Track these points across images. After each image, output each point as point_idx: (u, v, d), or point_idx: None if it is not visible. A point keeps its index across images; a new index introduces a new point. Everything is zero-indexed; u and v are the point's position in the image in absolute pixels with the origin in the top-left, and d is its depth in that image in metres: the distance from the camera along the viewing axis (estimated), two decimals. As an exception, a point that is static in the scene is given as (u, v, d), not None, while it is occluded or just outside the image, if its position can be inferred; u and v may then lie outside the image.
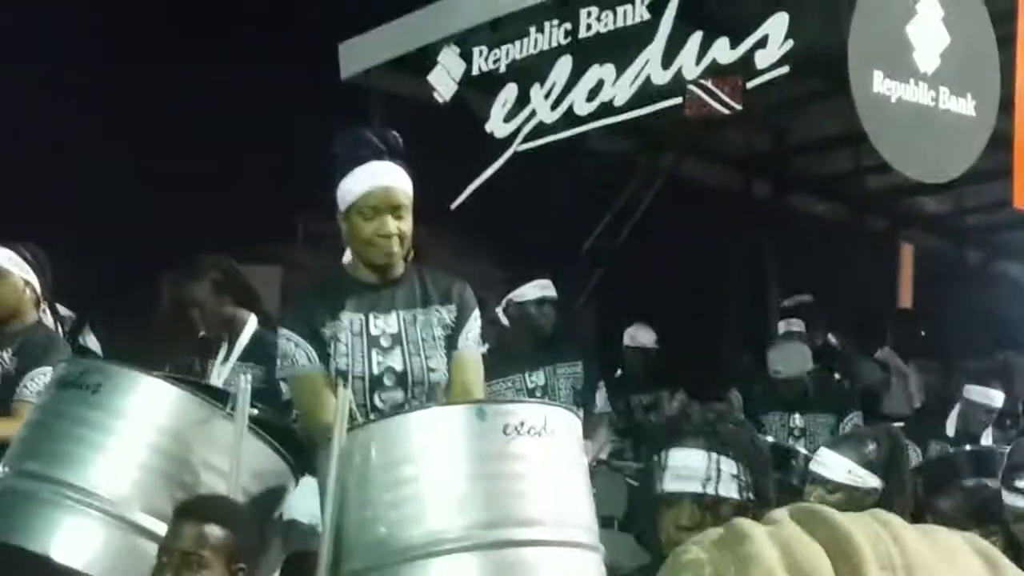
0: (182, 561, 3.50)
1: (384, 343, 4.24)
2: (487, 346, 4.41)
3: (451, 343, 4.28)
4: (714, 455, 3.28)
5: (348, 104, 9.00)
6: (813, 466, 4.87)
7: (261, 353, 5.58)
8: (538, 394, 6.79)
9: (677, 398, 8.56)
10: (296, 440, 4.19)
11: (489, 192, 7.81)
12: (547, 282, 7.06)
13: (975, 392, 7.66)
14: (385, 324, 4.25)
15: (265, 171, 11.75)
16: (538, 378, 6.89)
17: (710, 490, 3.39)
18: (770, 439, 7.20)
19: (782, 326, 8.80)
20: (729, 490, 3.39)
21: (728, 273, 10.39)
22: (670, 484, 3.43)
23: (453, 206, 7.86)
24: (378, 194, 4.15)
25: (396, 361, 4.22)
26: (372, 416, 4.10)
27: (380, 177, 4.16)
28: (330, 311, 4.24)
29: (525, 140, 7.54)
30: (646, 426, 8.44)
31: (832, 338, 8.92)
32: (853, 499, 4.53)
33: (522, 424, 3.65)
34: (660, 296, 9.61)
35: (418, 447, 3.68)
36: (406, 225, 4.19)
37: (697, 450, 3.28)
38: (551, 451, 3.71)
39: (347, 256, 4.35)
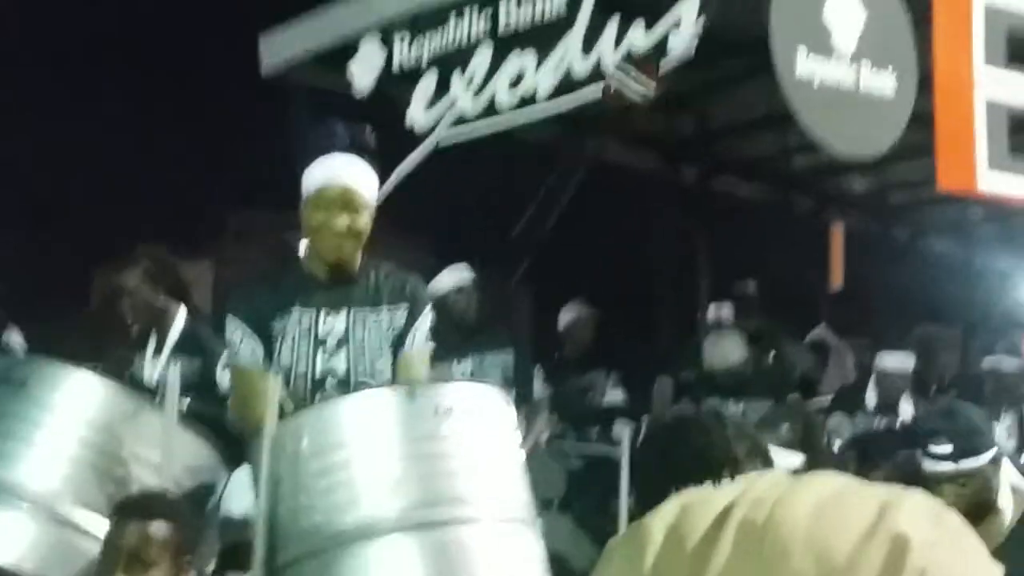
0: (129, 560, 3.49)
1: (330, 343, 4.23)
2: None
3: (400, 341, 4.26)
4: None
5: (272, 98, 8.96)
6: None
7: (192, 346, 5.59)
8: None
9: (611, 380, 8.58)
10: (228, 432, 4.19)
11: (416, 183, 7.78)
12: (462, 266, 7.11)
13: (887, 359, 7.77)
14: (334, 323, 4.23)
15: (192, 165, 11.63)
16: (466, 367, 6.93)
17: None
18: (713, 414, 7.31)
19: (712, 310, 8.87)
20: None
21: (658, 257, 10.38)
22: None
23: (376, 201, 7.83)
24: (334, 189, 4.13)
25: (340, 363, 4.21)
26: None
27: (338, 172, 4.14)
28: (280, 305, 4.22)
29: (449, 129, 7.55)
30: (583, 408, 8.50)
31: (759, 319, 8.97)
32: None
33: (452, 405, 3.68)
34: (591, 281, 9.53)
35: (349, 432, 3.68)
36: (361, 222, 4.16)
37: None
38: (481, 429, 3.73)
39: (302, 249, 4.33)
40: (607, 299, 9.18)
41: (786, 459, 4.71)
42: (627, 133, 8.90)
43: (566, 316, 8.74)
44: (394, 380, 4.21)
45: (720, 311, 8.85)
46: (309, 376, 4.19)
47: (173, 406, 3.82)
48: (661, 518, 1.16)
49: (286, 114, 8.54)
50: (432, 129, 7.60)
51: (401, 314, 4.25)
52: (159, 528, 3.50)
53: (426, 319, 4.30)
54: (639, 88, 6.59)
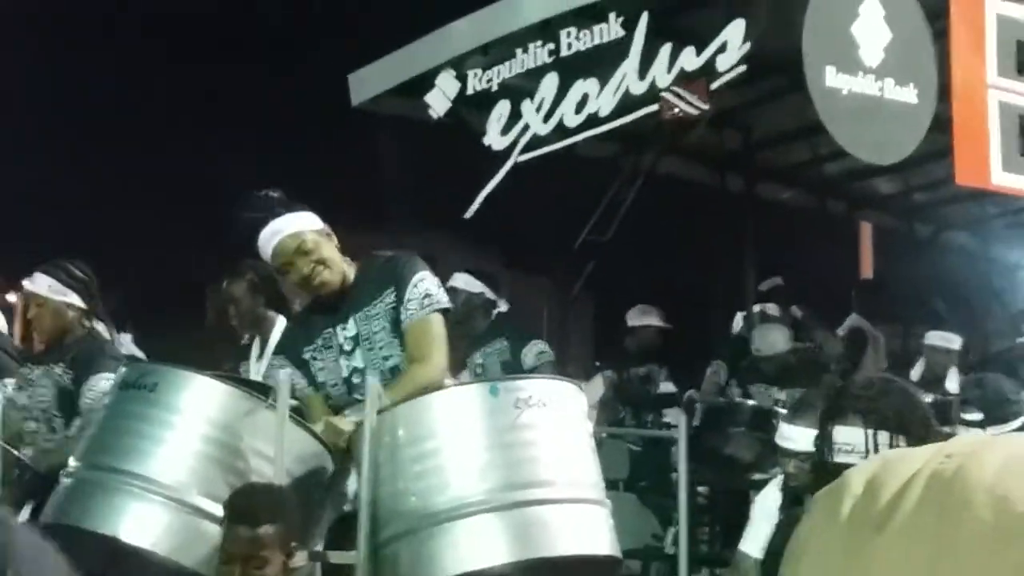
0: (244, 563, 3.49)
1: (347, 348, 4.27)
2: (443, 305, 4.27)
3: (398, 318, 4.23)
4: (870, 431, 3.08)
5: (359, 129, 9.08)
6: (780, 442, 4.77)
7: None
8: (477, 372, 6.92)
9: (664, 371, 8.59)
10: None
11: (493, 199, 7.79)
12: (463, 277, 7.10)
13: (934, 337, 7.69)
14: (346, 331, 4.27)
15: (292, 188, 11.66)
16: (476, 359, 7.01)
17: None
18: (751, 402, 7.34)
19: (758, 307, 8.75)
20: None
21: (709, 259, 10.28)
22: (838, 457, 3.13)
23: (467, 215, 7.86)
24: (283, 249, 4.23)
25: (359, 360, 4.25)
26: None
27: (273, 238, 4.24)
28: (307, 336, 4.34)
29: (523, 151, 7.54)
30: (643, 396, 8.48)
31: (798, 310, 8.87)
32: None
33: (530, 398, 3.70)
34: (649, 284, 9.57)
35: (439, 424, 3.73)
36: (320, 253, 4.23)
37: (854, 427, 3.08)
38: (557, 420, 3.75)
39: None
40: (664, 297, 9.16)
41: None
42: (680, 147, 8.81)
43: (637, 316, 8.74)
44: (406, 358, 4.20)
45: (765, 308, 8.73)
46: (340, 382, 4.26)
47: (284, 404, 3.83)
48: (861, 472, 1.15)
49: (371, 143, 8.72)
50: (509, 150, 7.62)
51: (391, 296, 4.22)
52: (266, 532, 3.49)
53: (418, 287, 4.21)
54: (693, 105, 6.62)
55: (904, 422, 3.04)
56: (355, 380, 4.21)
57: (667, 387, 8.52)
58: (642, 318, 8.72)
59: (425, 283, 4.22)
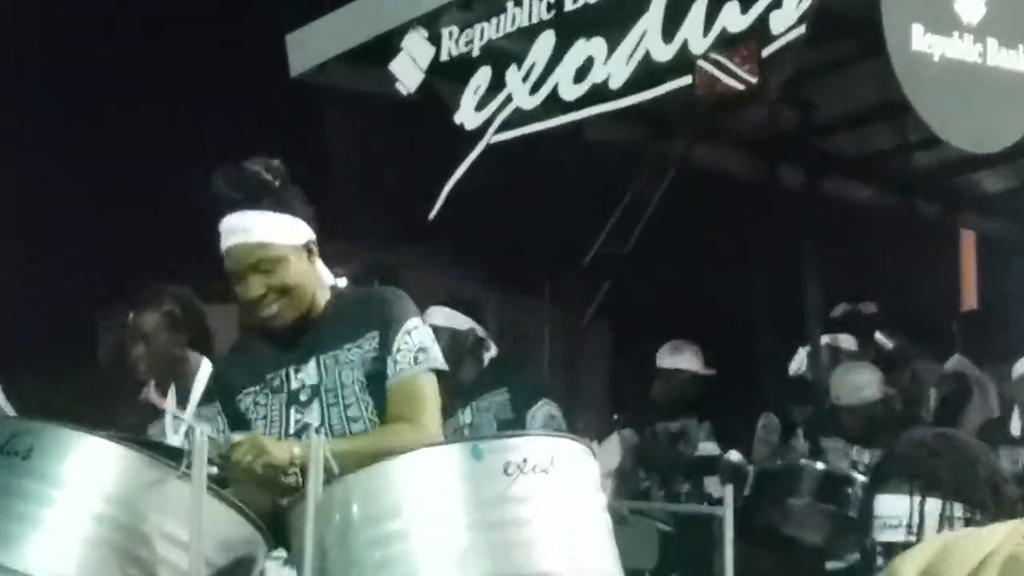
0: None
1: (303, 397, 4.30)
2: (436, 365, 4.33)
3: (381, 373, 4.27)
4: (916, 498, 3.16)
5: (302, 105, 9.07)
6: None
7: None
8: (466, 431, 6.84)
9: (704, 427, 8.61)
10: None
11: (469, 198, 7.86)
12: (443, 311, 7.06)
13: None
14: (305, 375, 4.30)
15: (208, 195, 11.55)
16: (465, 416, 6.94)
17: (914, 539, 3.15)
18: (820, 466, 7.32)
19: (827, 339, 8.79)
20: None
21: (758, 277, 10.42)
22: (879, 534, 3.27)
23: (431, 216, 7.94)
24: (234, 256, 4.25)
25: (314, 416, 4.27)
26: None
27: (231, 236, 4.26)
28: (249, 373, 4.36)
29: (501, 130, 7.59)
30: (675, 459, 8.53)
31: (885, 340, 9.00)
32: None
33: (525, 461, 3.66)
34: (682, 309, 9.59)
35: (406, 496, 3.70)
36: (283, 279, 4.24)
37: (899, 495, 3.17)
38: (560, 490, 3.73)
39: None
40: (700, 330, 9.14)
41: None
42: (721, 131, 8.91)
43: (667, 356, 8.73)
44: (383, 421, 4.23)
45: (837, 342, 8.79)
46: (283, 436, 4.23)
47: (202, 472, 3.77)
48: (913, 559, 1.16)
49: (318, 120, 8.96)
50: (484, 128, 7.68)
51: (372, 342, 4.26)
52: None
53: (407, 337, 4.27)
54: (738, 78, 6.58)
55: (962, 485, 3.07)
56: (303, 437, 4.22)
57: (707, 447, 8.51)
58: (674, 358, 8.72)
59: (419, 334, 4.29)
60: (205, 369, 5.63)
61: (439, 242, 9.45)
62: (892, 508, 3.04)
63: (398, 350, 4.22)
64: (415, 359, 4.23)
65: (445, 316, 7.01)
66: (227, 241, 4.27)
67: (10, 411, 6.76)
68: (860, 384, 7.72)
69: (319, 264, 4.37)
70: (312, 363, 4.28)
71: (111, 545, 3.78)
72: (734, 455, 7.81)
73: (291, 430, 4.27)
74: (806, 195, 9.22)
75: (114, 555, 3.77)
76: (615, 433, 8.75)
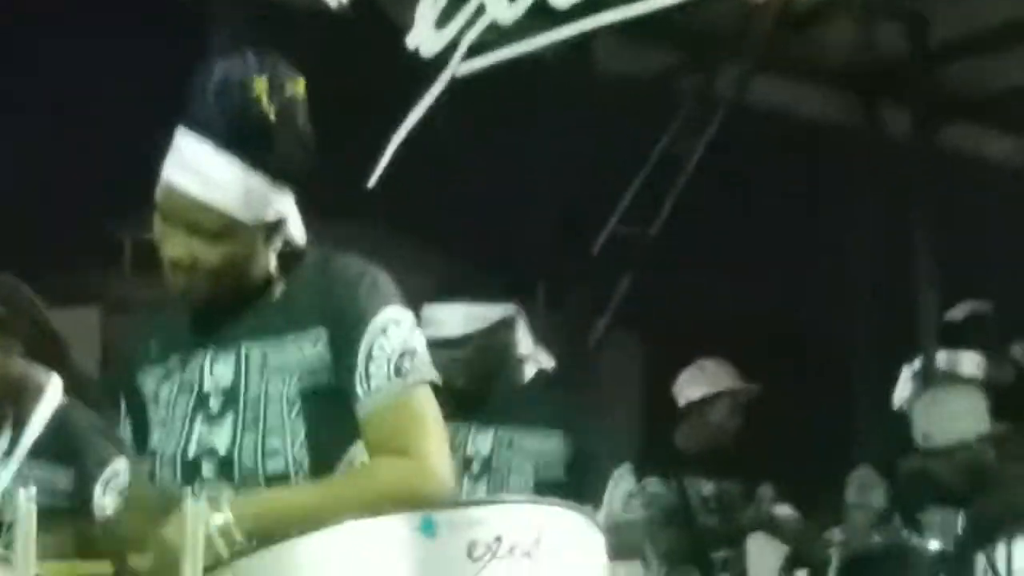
0: None
1: (213, 406, 3.41)
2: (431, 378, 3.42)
3: (342, 389, 3.31)
4: None
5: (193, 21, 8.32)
6: None
7: (62, 444, 4.89)
8: (475, 469, 5.31)
9: (762, 492, 7.38)
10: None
11: (430, 154, 7.42)
12: (443, 310, 5.29)
13: None
14: (221, 372, 3.40)
15: (73, 155, 10.86)
16: (483, 445, 5.39)
17: None
18: (935, 546, 6.39)
19: (943, 358, 7.32)
20: None
21: (845, 262, 9.64)
22: None
23: (370, 184, 7.45)
24: (174, 199, 3.30)
25: (223, 437, 3.38)
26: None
27: (187, 173, 3.31)
28: (161, 343, 3.54)
29: (469, 56, 7.20)
30: (713, 533, 7.36)
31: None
32: None
33: (499, 540, 2.90)
34: (730, 310, 8.84)
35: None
36: (213, 255, 3.32)
37: None
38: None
39: None
40: (755, 335, 8.52)
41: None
42: (787, 61, 8.34)
43: (692, 383, 7.40)
44: (315, 469, 3.39)
45: (957, 360, 7.27)
46: (179, 458, 3.41)
47: (28, 543, 2.98)
48: None
49: (216, 40, 7.90)
50: (446, 55, 7.29)
51: (317, 344, 3.32)
52: None
53: (386, 337, 3.32)
54: None
55: None
56: (204, 465, 3.34)
57: (781, 512, 7.43)
58: (708, 382, 7.37)
59: (401, 331, 3.32)
60: (53, 391, 4.95)
61: (382, 218, 8.93)
62: None
63: (368, 358, 3.28)
64: (396, 369, 3.27)
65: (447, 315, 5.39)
66: (178, 175, 3.34)
67: None
68: (953, 413, 6.73)
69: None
70: (233, 354, 3.39)
71: None
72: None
73: (190, 454, 3.38)
74: (915, 147, 8.86)
75: None
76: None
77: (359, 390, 3.30)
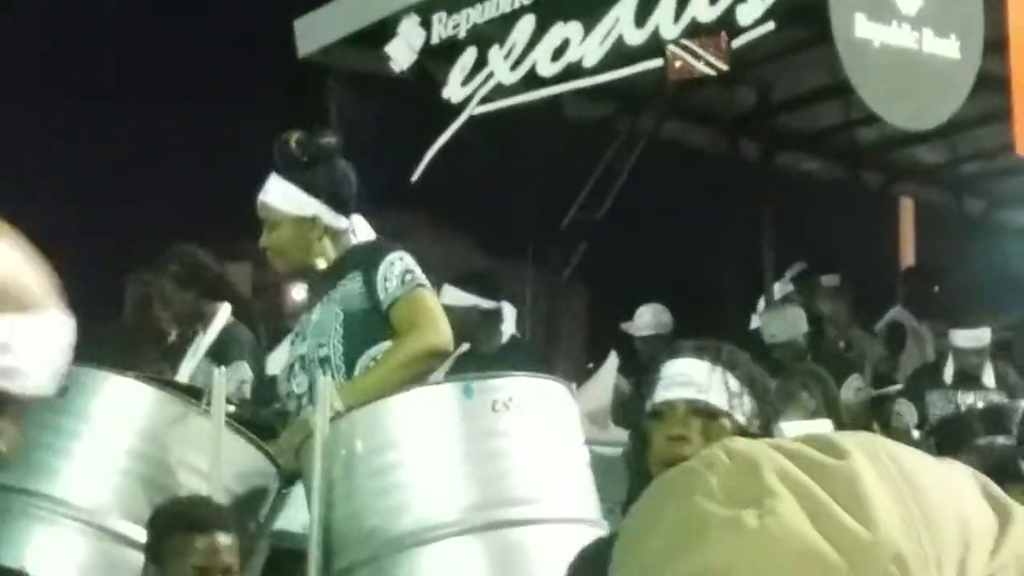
0: None
1: (303, 332, 4.38)
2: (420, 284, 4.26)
3: (373, 302, 4.23)
4: (719, 368, 2.87)
5: (307, 84, 9.10)
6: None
7: (229, 351, 5.49)
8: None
9: None
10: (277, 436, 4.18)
11: (458, 168, 7.88)
12: (450, 291, 6.41)
13: (960, 337, 7.62)
14: (313, 318, 4.35)
15: (225, 160, 12.18)
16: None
17: (709, 399, 2.86)
18: None
19: (777, 289, 8.83)
20: (731, 407, 2.86)
21: (720, 240, 10.31)
22: (662, 392, 2.92)
23: (413, 178, 7.94)
24: (259, 203, 4.43)
25: (303, 347, 4.32)
26: (291, 400, 4.28)
27: (260, 193, 4.42)
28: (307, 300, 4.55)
29: (483, 103, 7.58)
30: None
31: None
32: None
33: (510, 399, 3.65)
34: (650, 270, 9.52)
35: (402, 431, 3.70)
36: (273, 239, 4.38)
37: (698, 360, 2.88)
38: (543, 425, 3.74)
39: None
40: (665, 288, 9.30)
41: (820, 429, 4.71)
42: (685, 108, 8.86)
43: (642, 322, 8.63)
44: (351, 369, 4.22)
45: (785, 290, 8.81)
46: (285, 370, 4.38)
47: (220, 409, 3.79)
48: None
49: (319, 101, 8.62)
50: (467, 101, 7.65)
51: (354, 282, 4.27)
52: (230, 540, 3.47)
53: (394, 266, 4.24)
54: (708, 64, 6.52)
55: (753, 379, 2.92)
56: (296, 369, 4.30)
57: None
58: (645, 320, 8.65)
59: (404, 262, 4.25)
60: (223, 314, 5.60)
61: (434, 210, 9.96)
62: None
63: (384, 278, 4.20)
64: (402, 280, 4.20)
65: (452, 297, 6.32)
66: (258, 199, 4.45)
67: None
68: (785, 321, 7.72)
69: (327, 238, 4.40)
70: (318, 307, 4.31)
71: (139, 474, 3.79)
72: None
73: (290, 359, 4.39)
74: (763, 168, 9.30)
75: (142, 483, 3.77)
76: (593, 379, 8.24)
77: (381, 296, 4.17)
